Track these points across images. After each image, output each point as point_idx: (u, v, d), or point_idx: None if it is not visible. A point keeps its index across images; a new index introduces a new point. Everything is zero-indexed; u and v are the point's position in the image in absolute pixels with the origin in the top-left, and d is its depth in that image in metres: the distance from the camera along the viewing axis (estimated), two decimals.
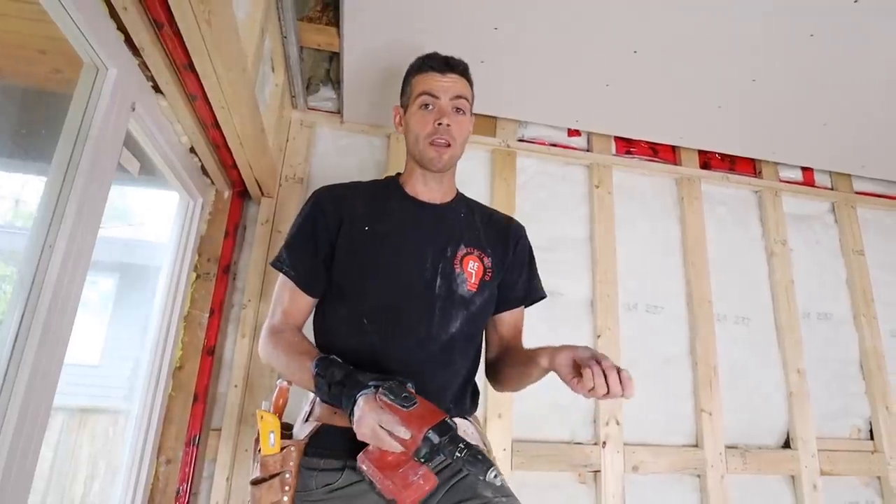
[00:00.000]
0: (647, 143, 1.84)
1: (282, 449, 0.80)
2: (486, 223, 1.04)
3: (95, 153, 0.78)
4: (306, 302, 0.94)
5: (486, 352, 1.05)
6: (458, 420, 0.91)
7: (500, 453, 1.43)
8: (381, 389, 0.73)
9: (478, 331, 0.99)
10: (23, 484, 0.67)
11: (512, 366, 0.97)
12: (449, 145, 0.95)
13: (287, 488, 0.78)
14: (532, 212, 1.70)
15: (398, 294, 0.91)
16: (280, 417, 0.86)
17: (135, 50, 0.87)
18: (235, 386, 1.34)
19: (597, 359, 0.75)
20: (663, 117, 1.63)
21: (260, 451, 0.82)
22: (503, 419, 1.47)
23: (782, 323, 1.76)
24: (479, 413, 1.45)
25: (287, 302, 0.93)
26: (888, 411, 1.76)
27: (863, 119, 1.56)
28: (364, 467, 0.73)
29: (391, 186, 1.03)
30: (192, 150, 1.21)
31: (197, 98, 0.98)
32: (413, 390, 0.75)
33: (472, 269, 0.95)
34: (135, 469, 1.15)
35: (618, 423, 1.54)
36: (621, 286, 1.68)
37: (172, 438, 1.23)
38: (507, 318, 1.03)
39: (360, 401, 0.72)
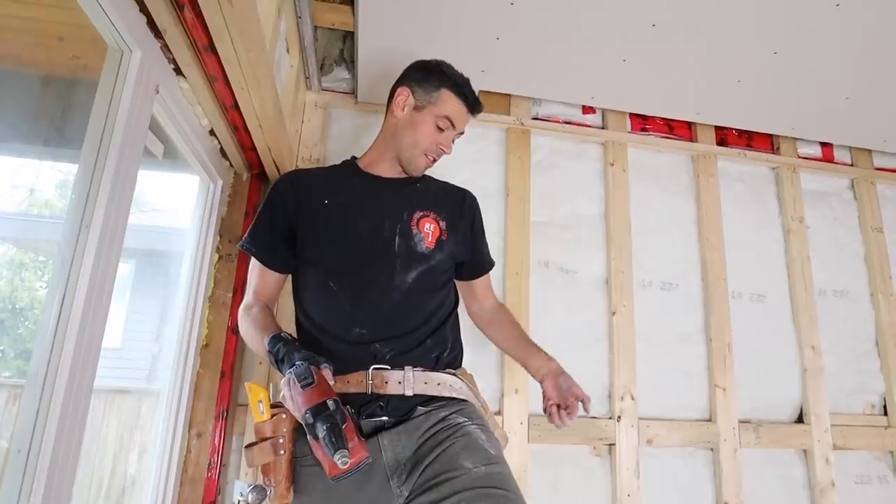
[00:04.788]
0: (663, 119, 1.81)
1: (272, 416, 0.85)
2: (441, 192, 1.12)
3: (124, 135, 0.79)
4: (273, 278, 1.03)
5: (467, 305, 1.18)
6: (445, 376, 0.95)
7: (517, 426, 1.46)
8: (292, 370, 0.78)
9: (437, 284, 1.03)
10: (72, 462, 0.70)
11: (507, 346, 1.16)
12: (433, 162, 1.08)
13: (282, 452, 0.84)
14: (547, 190, 1.69)
15: (360, 255, 0.98)
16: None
17: (157, 32, 0.87)
18: (260, 363, 1.38)
19: (574, 395, 1.00)
20: (680, 92, 1.61)
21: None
22: (520, 394, 1.50)
23: (798, 300, 1.76)
24: (496, 388, 1.50)
25: (256, 280, 1.02)
26: None
27: (887, 92, 1.52)
28: (309, 443, 0.79)
29: (349, 167, 1.12)
30: (211, 132, 1.22)
31: (217, 79, 0.99)
32: (323, 370, 0.80)
33: (428, 230, 1.03)
34: (168, 442, 1.19)
35: (632, 398, 1.56)
36: (636, 263, 1.68)
37: (202, 413, 1.28)
38: (480, 281, 1.16)
39: (284, 380, 0.80)
